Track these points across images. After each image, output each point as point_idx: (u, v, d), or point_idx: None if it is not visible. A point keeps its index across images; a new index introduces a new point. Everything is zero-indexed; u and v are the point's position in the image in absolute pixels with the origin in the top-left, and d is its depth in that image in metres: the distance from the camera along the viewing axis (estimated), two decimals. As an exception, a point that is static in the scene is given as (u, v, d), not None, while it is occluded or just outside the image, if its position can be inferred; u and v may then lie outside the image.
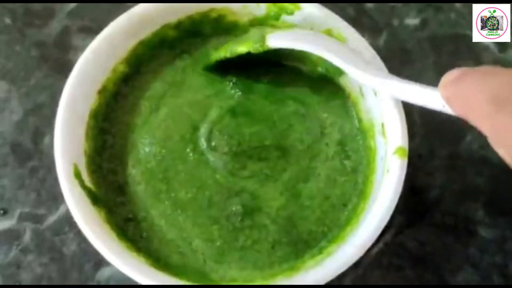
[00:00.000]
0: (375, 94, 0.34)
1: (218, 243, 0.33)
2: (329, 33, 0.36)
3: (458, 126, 0.41)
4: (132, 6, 0.41)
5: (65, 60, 0.41)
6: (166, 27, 0.36)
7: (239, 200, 0.34)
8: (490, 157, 0.40)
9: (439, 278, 0.37)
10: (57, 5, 0.43)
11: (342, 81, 0.37)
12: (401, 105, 0.33)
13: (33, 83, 0.41)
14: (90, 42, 0.41)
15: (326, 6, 0.36)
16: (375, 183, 0.33)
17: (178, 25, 0.37)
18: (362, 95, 0.36)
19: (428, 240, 0.38)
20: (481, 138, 0.42)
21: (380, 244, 0.37)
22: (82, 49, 0.41)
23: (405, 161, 0.32)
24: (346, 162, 0.36)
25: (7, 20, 0.43)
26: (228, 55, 0.35)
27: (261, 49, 0.34)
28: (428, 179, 0.40)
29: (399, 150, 0.32)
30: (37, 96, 0.41)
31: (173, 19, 0.36)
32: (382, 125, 0.34)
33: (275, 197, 0.34)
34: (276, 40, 0.34)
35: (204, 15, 0.37)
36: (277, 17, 0.37)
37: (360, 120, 0.37)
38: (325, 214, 0.34)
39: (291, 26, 0.37)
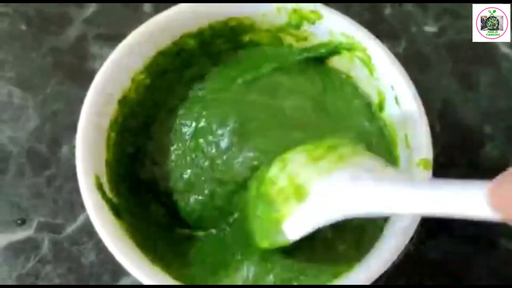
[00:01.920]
0: (397, 104, 0.34)
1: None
2: (350, 41, 0.35)
3: (478, 134, 0.41)
4: (148, 14, 0.41)
5: (81, 67, 0.41)
6: (185, 36, 0.36)
7: None
8: (510, 166, 0.40)
9: (460, 288, 0.37)
10: (73, 12, 0.43)
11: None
12: (425, 116, 0.33)
13: (49, 90, 0.41)
14: (106, 49, 0.41)
15: (343, 11, 0.36)
16: None
17: (198, 35, 0.36)
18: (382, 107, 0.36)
19: (449, 251, 0.37)
20: (501, 147, 0.42)
21: (402, 255, 0.37)
22: (99, 56, 0.41)
23: (430, 172, 0.32)
24: None
25: (23, 27, 0.42)
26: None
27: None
28: (447, 187, 0.39)
29: (423, 161, 0.32)
30: (53, 103, 0.40)
31: (192, 28, 0.36)
32: (405, 135, 0.34)
33: None
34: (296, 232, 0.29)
35: (224, 24, 0.37)
36: (298, 26, 0.36)
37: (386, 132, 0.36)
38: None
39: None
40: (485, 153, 0.40)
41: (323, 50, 0.37)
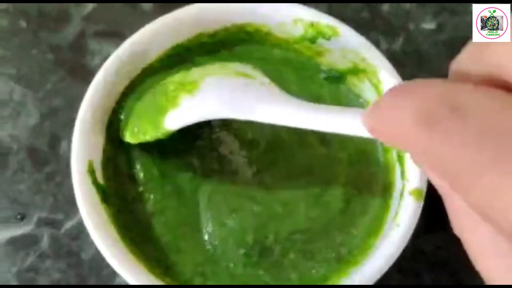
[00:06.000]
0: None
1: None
2: (362, 62, 0.35)
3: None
4: (147, 13, 0.41)
5: (81, 64, 0.41)
6: (201, 36, 0.36)
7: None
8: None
9: (457, 283, 0.37)
10: (73, 9, 0.43)
11: None
12: None
13: (49, 87, 0.41)
14: (105, 46, 0.41)
15: (341, 8, 0.36)
16: (388, 220, 0.34)
17: (214, 35, 0.36)
18: None
19: (446, 245, 0.38)
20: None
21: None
22: (98, 53, 0.42)
23: (421, 203, 0.32)
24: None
25: (22, 24, 0.43)
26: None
27: (163, 137, 0.32)
28: (445, 183, 0.39)
29: (415, 192, 0.32)
30: (53, 100, 0.40)
31: (209, 28, 0.36)
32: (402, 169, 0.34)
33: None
34: (176, 121, 0.31)
35: (240, 28, 0.37)
36: (313, 40, 0.36)
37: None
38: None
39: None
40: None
41: (335, 73, 0.38)
